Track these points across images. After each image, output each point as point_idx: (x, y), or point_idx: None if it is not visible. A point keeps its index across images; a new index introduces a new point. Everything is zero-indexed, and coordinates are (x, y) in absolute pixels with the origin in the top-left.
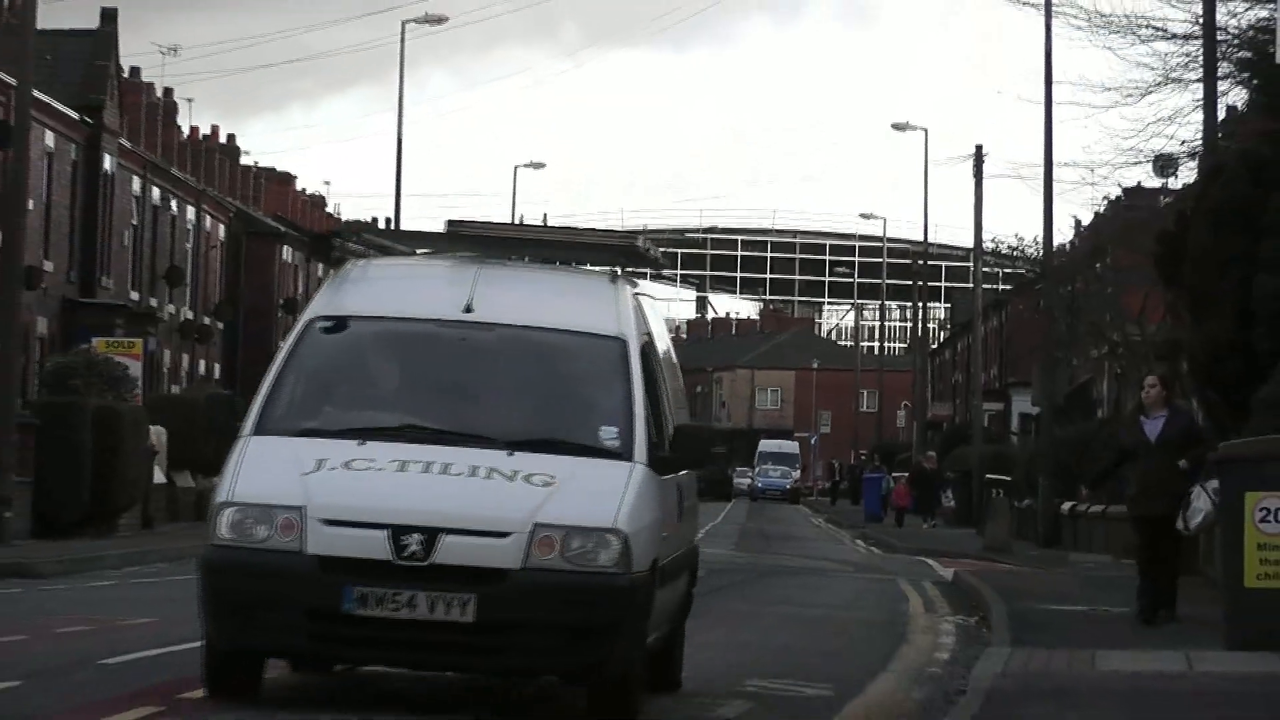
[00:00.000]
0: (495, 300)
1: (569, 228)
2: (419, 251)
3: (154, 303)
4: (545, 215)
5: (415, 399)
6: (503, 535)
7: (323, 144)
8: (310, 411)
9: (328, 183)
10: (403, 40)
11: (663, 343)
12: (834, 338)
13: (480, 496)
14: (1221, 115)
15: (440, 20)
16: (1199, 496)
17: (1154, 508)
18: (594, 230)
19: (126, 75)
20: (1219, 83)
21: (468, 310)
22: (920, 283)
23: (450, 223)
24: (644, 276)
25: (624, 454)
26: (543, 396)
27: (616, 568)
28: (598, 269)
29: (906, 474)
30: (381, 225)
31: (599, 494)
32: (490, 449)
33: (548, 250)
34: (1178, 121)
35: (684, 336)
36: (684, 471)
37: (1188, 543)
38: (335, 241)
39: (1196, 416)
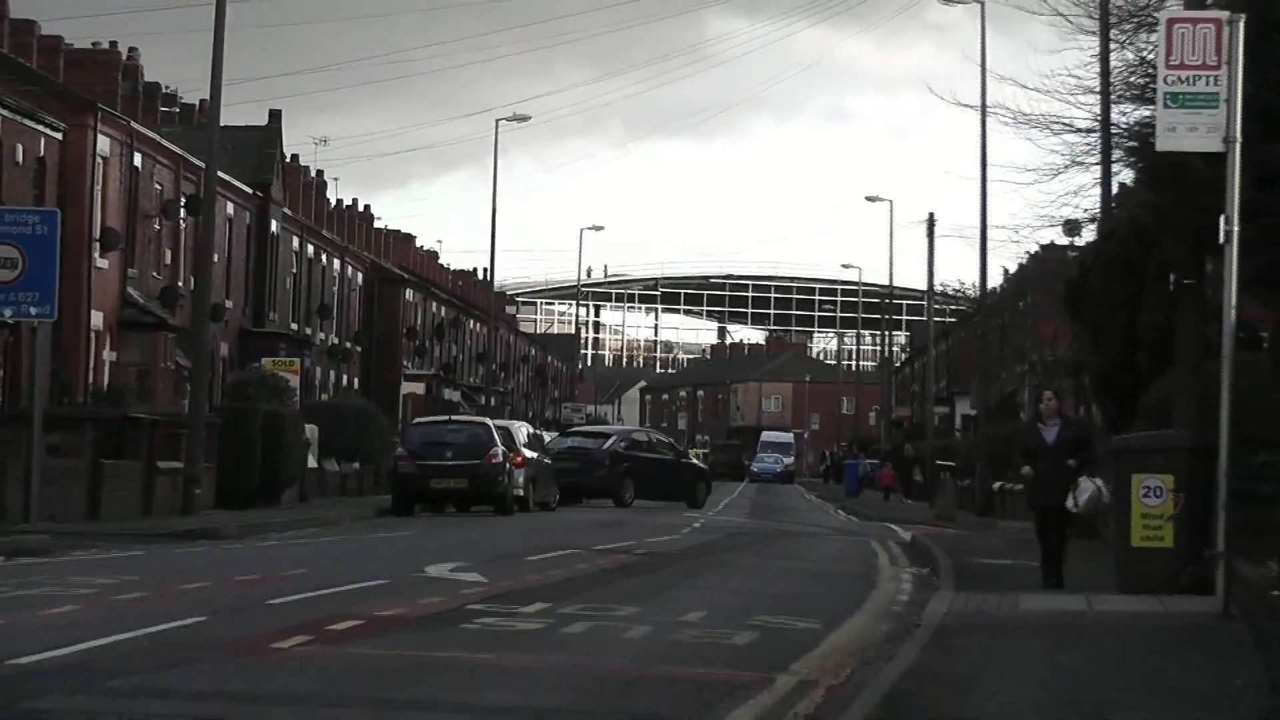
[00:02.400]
0: None
1: None
2: None
3: (309, 331)
4: (605, 266)
5: None
6: None
7: (435, 212)
8: None
9: (439, 241)
10: (496, 134)
11: None
12: (821, 358)
13: None
14: (1115, 190)
15: (524, 118)
16: (1086, 481)
17: (1050, 499)
18: None
19: (288, 160)
20: (1113, 165)
21: None
22: (887, 316)
23: None
24: None
25: None
26: None
27: None
28: None
29: (884, 461)
30: (480, 276)
31: None
32: None
33: None
34: (1081, 195)
35: (709, 358)
36: None
37: (1084, 521)
38: None
39: (1084, 424)
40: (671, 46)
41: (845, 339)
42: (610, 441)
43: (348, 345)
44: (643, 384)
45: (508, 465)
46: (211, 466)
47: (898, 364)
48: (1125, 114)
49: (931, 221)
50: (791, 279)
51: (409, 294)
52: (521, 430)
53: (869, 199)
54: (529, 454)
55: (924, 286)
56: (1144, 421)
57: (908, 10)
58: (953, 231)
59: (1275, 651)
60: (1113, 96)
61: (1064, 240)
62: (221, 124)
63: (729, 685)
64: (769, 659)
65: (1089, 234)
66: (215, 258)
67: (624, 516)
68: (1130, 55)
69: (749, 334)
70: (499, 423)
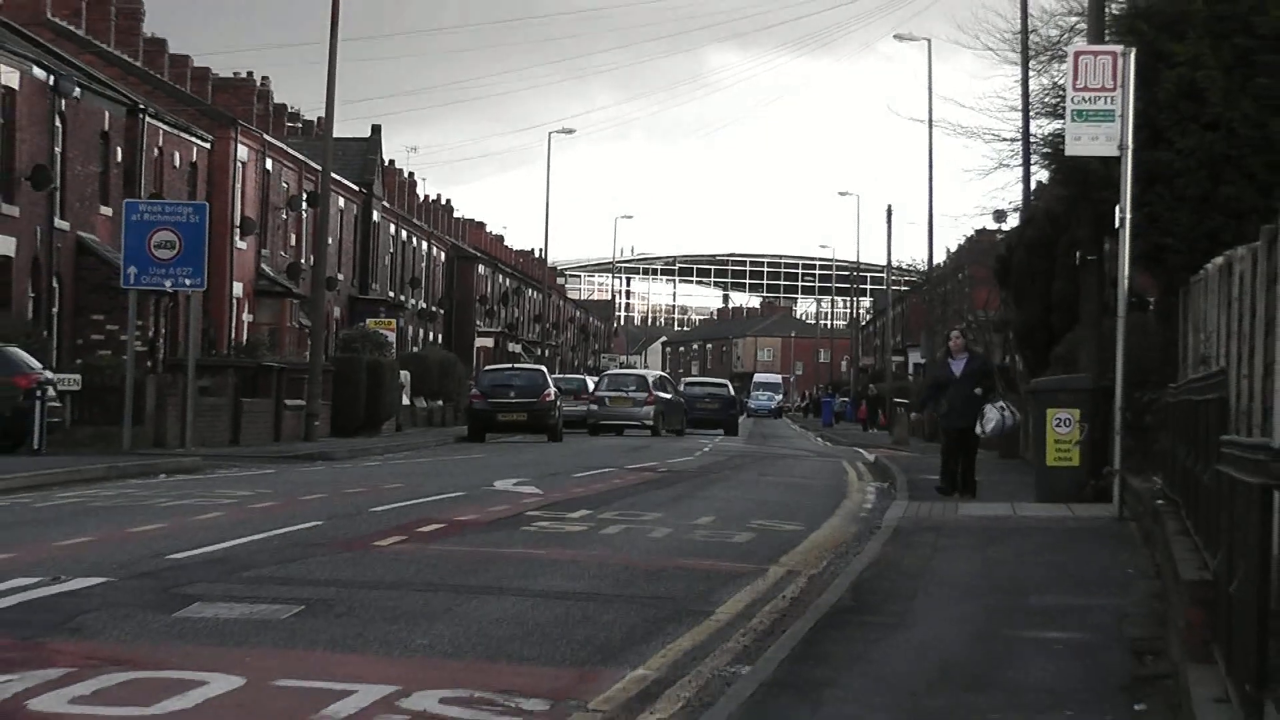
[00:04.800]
0: None
1: None
2: None
3: (403, 298)
4: (634, 247)
5: None
6: None
7: (502, 203)
8: None
9: (505, 227)
10: (549, 143)
11: None
12: (804, 318)
13: None
14: (1033, 186)
15: (570, 131)
16: (990, 410)
17: (958, 423)
18: None
19: (386, 164)
20: (1031, 167)
21: None
22: (855, 285)
23: None
24: None
25: None
26: None
27: None
28: None
29: (851, 398)
30: (536, 255)
31: None
32: None
33: None
34: (1007, 190)
35: (715, 319)
36: None
37: (1007, 443)
38: None
39: (987, 358)
40: (680, 75)
41: (822, 303)
42: (732, 390)
43: (433, 309)
44: (664, 339)
45: (559, 403)
46: (327, 404)
47: (863, 323)
48: (1041, 127)
49: (889, 212)
50: (780, 256)
51: (481, 269)
52: (651, 376)
53: (841, 194)
54: (658, 394)
55: (884, 262)
56: (1056, 367)
57: (868, 46)
58: (908, 219)
59: (1158, 547)
60: (1031, 113)
61: (994, 225)
62: (334, 136)
63: (731, 574)
64: (763, 554)
65: (1013, 220)
66: (330, 240)
67: (650, 442)
68: (1045, 80)
69: (747, 299)
70: (641, 371)
